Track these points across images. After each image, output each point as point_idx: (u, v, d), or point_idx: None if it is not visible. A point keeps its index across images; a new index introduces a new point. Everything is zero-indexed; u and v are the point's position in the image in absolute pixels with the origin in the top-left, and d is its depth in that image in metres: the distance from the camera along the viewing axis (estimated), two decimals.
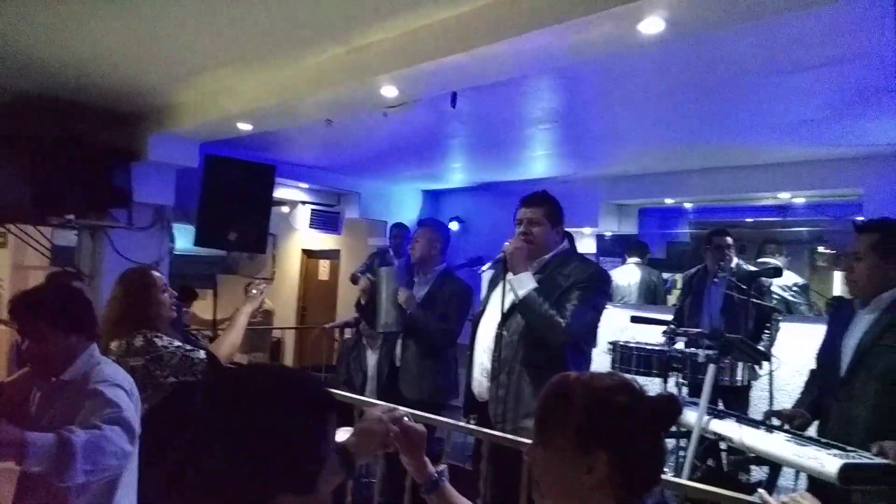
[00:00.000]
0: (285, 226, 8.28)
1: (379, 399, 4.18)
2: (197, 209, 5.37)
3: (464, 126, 4.78)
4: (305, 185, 6.92)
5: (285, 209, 7.47)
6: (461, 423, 2.37)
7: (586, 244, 7.24)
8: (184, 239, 5.84)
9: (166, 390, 2.53)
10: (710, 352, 2.65)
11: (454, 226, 7.73)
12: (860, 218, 2.57)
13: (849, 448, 2.23)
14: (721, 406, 4.63)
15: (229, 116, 4.11)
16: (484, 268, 2.99)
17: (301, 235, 9.14)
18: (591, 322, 2.73)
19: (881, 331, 2.41)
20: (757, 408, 4.66)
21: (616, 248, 7.42)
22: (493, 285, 3.02)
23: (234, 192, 5.38)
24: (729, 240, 4.72)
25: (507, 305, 2.74)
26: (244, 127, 4.28)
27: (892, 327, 2.39)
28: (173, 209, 5.60)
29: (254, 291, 2.94)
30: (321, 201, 7.25)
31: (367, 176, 7.06)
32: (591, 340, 2.82)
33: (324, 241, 8.77)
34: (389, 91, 3.23)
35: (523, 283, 2.69)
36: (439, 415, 4.00)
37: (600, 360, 5.38)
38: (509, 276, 2.74)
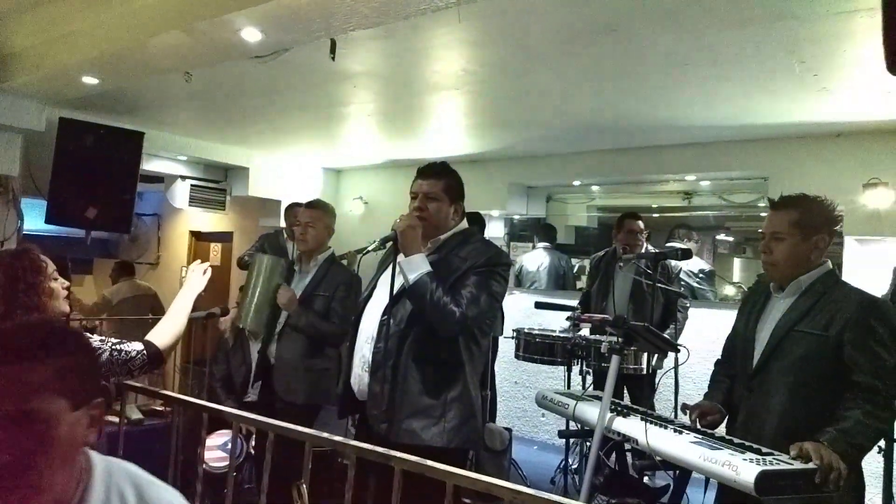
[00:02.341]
0: (171, 206, 7.56)
1: (260, 399, 3.73)
2: (49, 181, 4.67)
3: (358, 91, 4.32)
4: (184, 158, 6.24)
5: (162, 186, 6.75)
6: (328, 436, 1.94)
7: (494, 227, 6.97)
8: (36, 216, 5.09)
9: None
10: (614, 340, 2.34)
11: (358, 206, 7.27)
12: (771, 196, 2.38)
13: (765, 450, 1.96)
14: (626, 395, 4.48)
15: (70, 68, 3.47)
16: (369, 248, 2.62)
17: (189, 216, 8.40)
18: (489, 310, 2.40)
19: (798, 316, 2.20)
20: (663, 395, 4.53)
21: (526, 232, 7.23)
22: (381, 267, 2.64)
23: (93, 163, 4.70)
24: (640, 224, 4.54)
25: (395, 290, 2.38)
26: (90, 81, 3.64)
27: (810, 312, 2.18)
28: (22, 182, 4.87)
29: (192, 273, 2.43)
30: (205, 176, 6.58)
31: (257, 149, 6.45)
32: (489, 330, 2.49)
33: (214, 222, 8.09)
34: (251, 34, 2.73)
35: (415, 267, 2.34)
36: (315, 417, 3.64)
37: (505, 348, 5.19)
38: (400, 257, 2.37)
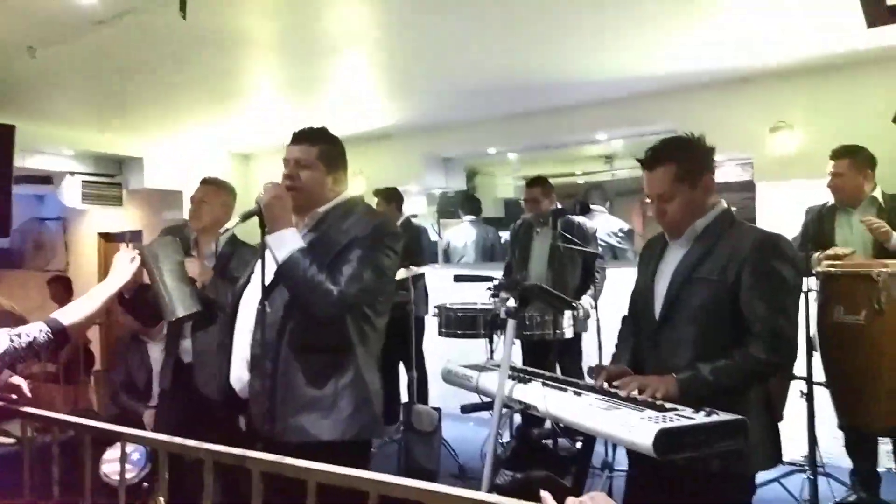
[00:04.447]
0: (74, 207, 7.05)
1: (172, 402, 3.44)
2: None
3: (247, 58, 4.02)
4: (71, 153, 5.79)
5: (50, 187, 6.27)
6: (180, 441, 1.70)
7: (416, 203, 6.76)
8: None
9: None
10: (510, 305, 2.18)
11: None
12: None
13: (668, 406, 1.82)
14: (557, 364, 4.38)
15: None
16: (229, 225, 2.36)
17: (95, 217, 7.89)
18: (377, 287, 2.17)
19: (695, 262, 2.06)
20: (590, 359, 4.44)
21: (453, 208, 7.07)
22: (259, 250, 2.38)
23: None
24: (538, 190, 4.42)
25: (270, 274, 2.13)
26: None
27: (707, 257, 2.04)
28: None
29: (118, 261, 2.21)
30: (97, 170, 6.12)
31: (151, 136, 6.03)
32: (384, 309, 2.26)
33: (122, 221, 7.62)
34: None
35: (284, 243, 2.09)
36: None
37: (431, 325, 5.01)
38: (268, 236, 2.11)
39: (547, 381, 2.15)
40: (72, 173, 5.92)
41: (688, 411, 1.76)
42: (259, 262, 2.24)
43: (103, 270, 8.35)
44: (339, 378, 2.13)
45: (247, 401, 2.21)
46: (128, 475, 3.68)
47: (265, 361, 2.10)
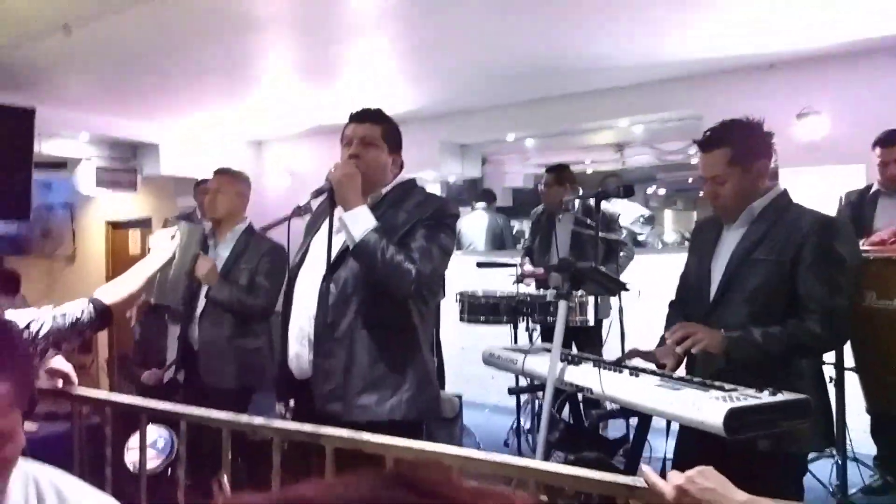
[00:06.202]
0: (83, 195, 7.00)
1: (185, 390, 3.43)
2: None
3: (268, 41, 3.98)
4: (87, 138, 5.74)
5: (67, 173, 6.23)
6: (248, 418, 1.69)
7: (431, 190, 6.73)
8: None
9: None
10: (560, 288, 2.16)
11: (284, 179, 6.89)
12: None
13: (728, 386, 1.82)
14: (574, 349, 4.39)
15: None
16: (301, 204, 2.32)
17: (103, 205, 7.85)
18: (441, 267, 2.20)
19: (752, 244, 2.06)
20: (611, 347, 4.43)
21: (463, 196, 7.07)
22: (312, 229, 2.37)
23: None
24: (552, 177, 4.41)
25: (335, 252, 2.11)
26: None
27: (765, 238, 2.04)
28: None
29: (156, 240, 2.22)
30: (113, 155, 6.08)
31: (167, 122, 5.99)
32: (438, 289, 2.26)
33: (131, 209, 7.58)
34: None
35: (359, 221, 2.06)
36: (249, 401, 3.37)
37: (446, 313, 4.99)
38: (339, 212, 2.08)
39: (598, 363, 2.14)
40: (87, 158, 5.88)
41: (751, 391, 1.76)
42: (316, 240, 2.23)
43: (111, 258, 8.32)
44: (403, 358, 2.13)
45: (301, 383, 2.19)
46: (151, 464, 3.67)
47: (331, 341, 2.08)
